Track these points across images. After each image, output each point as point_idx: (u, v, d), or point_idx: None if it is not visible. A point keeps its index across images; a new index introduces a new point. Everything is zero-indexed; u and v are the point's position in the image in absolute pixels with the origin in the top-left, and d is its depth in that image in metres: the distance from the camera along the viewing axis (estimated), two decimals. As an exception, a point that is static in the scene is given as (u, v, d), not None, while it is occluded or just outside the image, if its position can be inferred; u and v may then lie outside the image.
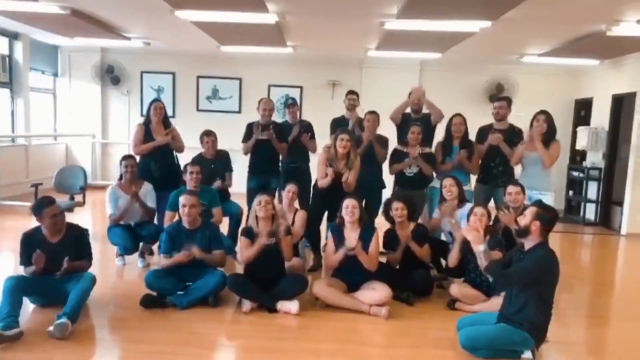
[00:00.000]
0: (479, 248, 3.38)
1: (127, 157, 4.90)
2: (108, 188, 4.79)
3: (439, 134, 5.32)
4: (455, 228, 4.26)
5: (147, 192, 4.82)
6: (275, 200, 4.50)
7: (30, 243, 3.64)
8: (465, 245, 3.87)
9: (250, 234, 3.97)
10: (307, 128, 5.49)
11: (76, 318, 3.36)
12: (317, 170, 4.84)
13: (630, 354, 3.47)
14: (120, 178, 4.86)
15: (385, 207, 4.44)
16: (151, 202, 4.82)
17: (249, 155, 5.43)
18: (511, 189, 4.31)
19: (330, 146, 4.77)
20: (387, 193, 5.04)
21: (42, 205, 3.65)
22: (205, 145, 5.23)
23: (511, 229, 3.78)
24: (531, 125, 4.84)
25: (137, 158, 5.24)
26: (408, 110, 5.40)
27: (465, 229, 3.68)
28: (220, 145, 5.34)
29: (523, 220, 3.16)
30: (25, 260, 3.61)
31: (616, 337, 3.86)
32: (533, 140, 4.76)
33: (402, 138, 5.24)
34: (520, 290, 3.14)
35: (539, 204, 3.32)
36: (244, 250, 3.97)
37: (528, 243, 3.17)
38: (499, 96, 5.19)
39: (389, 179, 5.30)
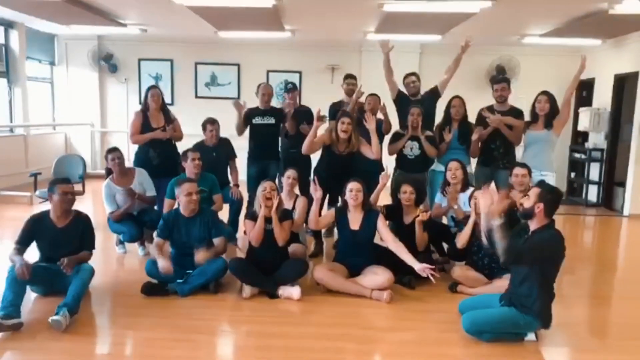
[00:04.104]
0: (495, 223, 3.09)
1: (112, 150, 4.77)
2: (103, 184, 4.74)
3: (439, 119, 5.28)
4: (473, 209, 4.03)
5: (144, 179, 4.77)
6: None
7: (36, 226, 3.66)
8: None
9: (254, 217, 3.94)
10: (305, 115, 5.34)
11: (76, 309, 3.34)
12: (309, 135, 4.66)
13: (632, 334, 3.46)
14: (109, 172, 4.76)
15: (395, 187, 4.42)
16: (150, 190, 4.79)
17: (248, 142, 5.38)
18: (518, 170, 4.25)
19: (332, 130, 4.71)
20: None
21: (56, 181, 3.71)
22: (209, 134, 5.15)
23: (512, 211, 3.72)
24: (533, 106, 4.79)
25: (135, 147, 5.21)
26: (406, 92, 5.35)
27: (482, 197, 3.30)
28: (220, 133, 5.26)
29: (527, 202, 3.11)
30: (23, 239, 3.61)
31: (618, 318, 3.85)
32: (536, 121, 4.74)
33: (402, 120, 5.18)
34: (524, 272, 3.11)
35: (542, 185, 3.25)
36: (249, 232, 3.93)
37: (533, 225, 3.12)
38: (498, 77, 5.13)
39: (387, 163, 5.26)
